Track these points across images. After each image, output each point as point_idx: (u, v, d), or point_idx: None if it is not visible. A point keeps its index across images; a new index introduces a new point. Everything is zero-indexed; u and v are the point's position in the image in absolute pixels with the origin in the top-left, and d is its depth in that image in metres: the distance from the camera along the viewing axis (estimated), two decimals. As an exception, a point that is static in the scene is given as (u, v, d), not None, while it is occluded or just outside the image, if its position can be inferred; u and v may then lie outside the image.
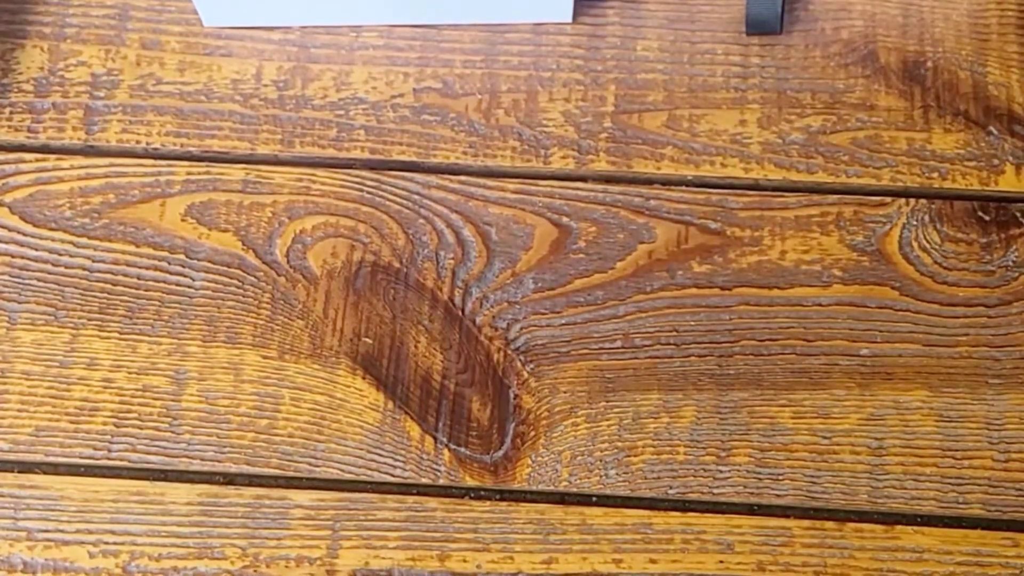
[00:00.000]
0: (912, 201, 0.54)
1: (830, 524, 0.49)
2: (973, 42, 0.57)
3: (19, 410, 0.51)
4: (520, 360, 0.52)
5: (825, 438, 0.50)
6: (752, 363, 0.51)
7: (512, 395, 0.51)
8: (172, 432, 0.51)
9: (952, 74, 0.56)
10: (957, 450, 0.50)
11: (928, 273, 0.53)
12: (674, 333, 0.52)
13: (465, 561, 0.49)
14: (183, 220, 0.54)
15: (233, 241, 0.54)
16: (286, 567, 0.49)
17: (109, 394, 0.51)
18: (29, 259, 0.53)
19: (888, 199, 0.54)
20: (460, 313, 0.52)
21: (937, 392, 0.51)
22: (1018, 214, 0.54)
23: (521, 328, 0.52)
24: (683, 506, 0.49)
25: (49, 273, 0.53)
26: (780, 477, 0.50)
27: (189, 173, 0.55)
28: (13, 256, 0.54)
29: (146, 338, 0.52)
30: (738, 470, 0.50)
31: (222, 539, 0.49)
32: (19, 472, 0.50)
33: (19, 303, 0.53)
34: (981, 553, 0.48)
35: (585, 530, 0.49)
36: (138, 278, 0.53)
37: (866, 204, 0.54)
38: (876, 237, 0.53)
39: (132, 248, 0.54)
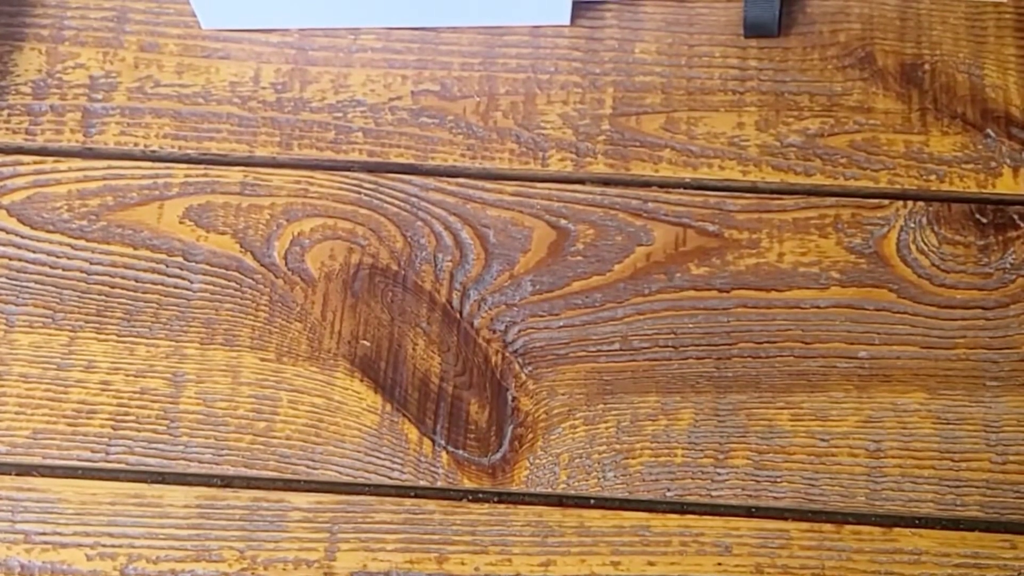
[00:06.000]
0: (910, 203, 0.54)
1: (828, 526, 0.49)
2: (970, 45, 0.57)
3: (16, 412, 0.51)
4: (518, 362, 0.52)
5: (823, 440, 0.50)
6: (750, 365, 0.51)
7: (510, 397, 0.51)
8: (170, 435, 0.51)
9: (950, 77, 0.56)
10: (955, 452, 0.50)
11: (926, 275, 0.53)
12: (672, 335, 0.52)
13: (463, 563, 0.49)
14: (181, 222, 0.54)
15: (231, 243, 0.54)
16: (284, 570, 0.49)
17: (107, 396, 0.51)
18: (27, 261, 0.53)
19: (886, 201, 0.54)
20: (458, 315, 0.52)
21: (935, 394, 0.51)
22: (1015, 216, 0.54)
23: (519, 330, 0.52)
24: (681, 508, 0.49)
25: (47, 275, 0.53)
26: (778, 479, 0.50)
27: (187, 175, 0.55)
28: (11, 259, 0.53)
29: (144, 340, 0.52)
30: (736, 472, 0.50)
31: (220, 542, 0.49)
32: (16, 475, 0.50)
33: (17, 305, 0.53)
34: (979, 555, 0.48)
35: (583, 532, 0.49)
36: (136, 280, 0.53)
37: (864, 206, 0.54)
38: (874, 239, 0.53)
39: (130, 250, 0.54)
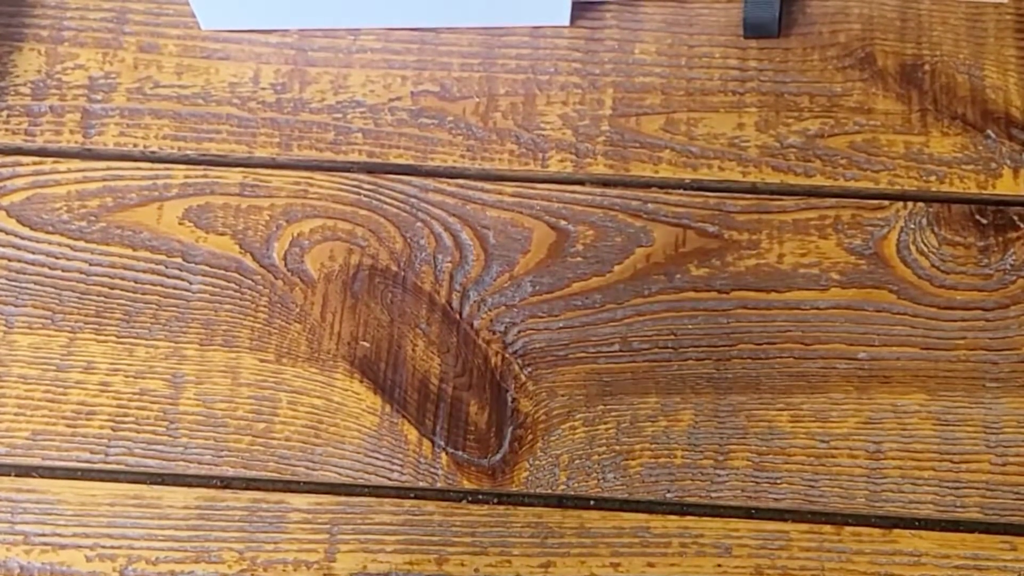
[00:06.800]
0: (910, 204, 0.54)
1: (828, 528, 0.49)
2: (971, 45, 0.57)
3: (16, 414, 0.51)
4: (518, 363, 0.52)
5: (823, 442, 0.50)
6: (750, 367, 0.51)
7: (510, 399, 0.51)
8: (169, 436, 0.51)
9: (950, 77, 0.56)
10: (955, 454, 0.50)
11: (926, 276, 0.53)
12: (672, 336, 0.52)
13: (463, 565, 0.49)
14: (180, 223, 0.54)
15: (230, 244, 0.54)
16: (283, 571, 0.49)
17: (106, 398, 0.51)
18: (26, 262, 0.53)
19: (886, 202, 0.54)
20: (458, 316, 0.52)
21: (935, 395, 0.51)
22: (1015, 217, 0.54)
23: (519, 331, 0.52)
24: (681, 509, 0.49)
25: (46, 276, 0.53)
26: (778, 481, 0.50)
27: (187, 176, 0.55)
28: (10, 260, 0.53)
29: (143, 341, 0.52)
30: (736, 473, 0.50)
31: (219, 543, 0.49)
32: (16, 476, 0.50)
33: (16, 306, 0.53)
34: (979, 557, 0.48)
35: (583, 533, 0.49)
36: (135, 281, 0.53)
37: (864, 207, 0.54)
38: (874, 240, 0.53)
39: (129, 251, 0.54)
